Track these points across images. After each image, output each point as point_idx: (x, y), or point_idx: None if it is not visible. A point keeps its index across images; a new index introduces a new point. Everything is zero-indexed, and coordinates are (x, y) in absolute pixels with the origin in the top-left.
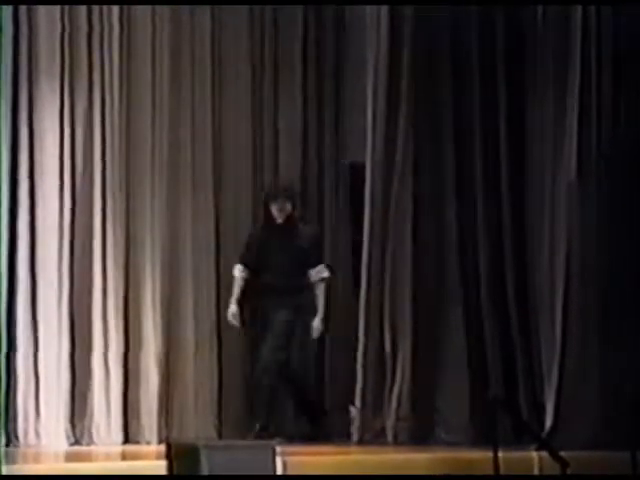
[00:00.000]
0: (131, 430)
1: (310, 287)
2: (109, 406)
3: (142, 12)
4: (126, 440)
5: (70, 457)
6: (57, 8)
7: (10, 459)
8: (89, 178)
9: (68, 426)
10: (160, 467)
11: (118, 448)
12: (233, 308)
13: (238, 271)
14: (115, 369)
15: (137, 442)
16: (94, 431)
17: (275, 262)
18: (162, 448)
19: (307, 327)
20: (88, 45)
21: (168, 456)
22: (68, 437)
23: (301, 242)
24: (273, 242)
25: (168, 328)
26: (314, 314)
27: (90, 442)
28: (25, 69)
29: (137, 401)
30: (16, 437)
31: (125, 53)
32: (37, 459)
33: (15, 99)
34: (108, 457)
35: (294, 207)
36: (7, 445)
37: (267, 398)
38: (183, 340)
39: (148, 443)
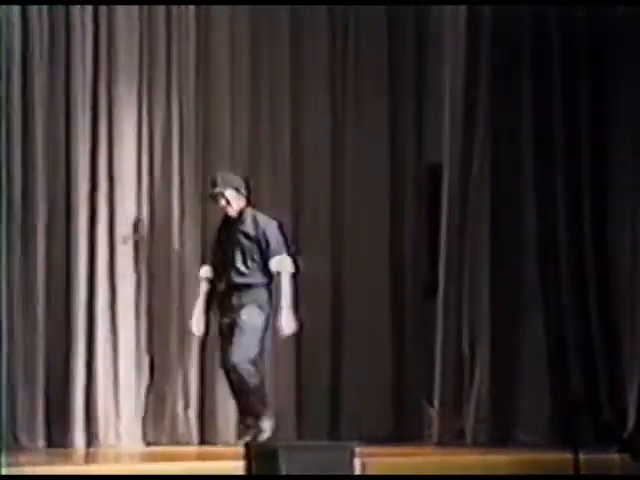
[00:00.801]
0: (208, 431)
1: (267, 282)
2: (187, 407)
3: (220, 12)
4: (203, 441)
5: (148, 457)
6: (135, 8)
7: (91, 459)
8: (167, 180)
9: (147, 427)
10: (238, 468)
11: (195, 449)
12: (195, 315)
13: (203, 272)
14: (193, 370)
15: (213, 443)
16: (173, 432)
17: (229, 258)
18: (239, 449)
19: (262, 325)
20: (166, 46)
21: (247, 457)
22: (147, 437)
23: (255, 235)
24: (228, 237)
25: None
26: (271, 309)
27: (168, 442)
28: (105, 71)
29: (214, 402)
30: (97, 438)
31: (203, 54)
32: (117, 459)
33: (95, 101)
34: (186, 457)
35: (247, 199)
36: (88, 445)
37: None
38: None
39: (224, 444)
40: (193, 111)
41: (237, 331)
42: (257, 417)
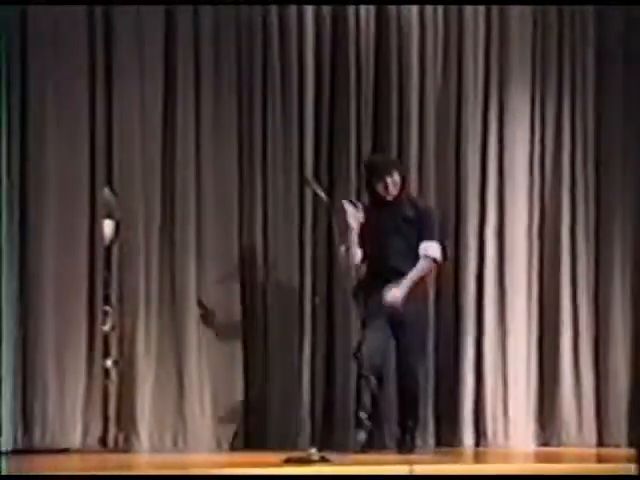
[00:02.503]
0: (601, 432)
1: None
2: (580, 408)
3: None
4: (596, 443)
5: (535, 458)
6: (528, 9)
7: (480, 459)
8: (558, 183)
9: (537, 427)
10: (630, 469)
11: (583, 450)
12: None
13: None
14: (585, 370)
15: (606, 445)
16: (563, 433)
17: (386, 244)
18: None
19: (423, 320)
20: (558, 48)
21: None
22: (537, 438)
23: (415, 218)
24: (384, 222)
25: (638, 325)
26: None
27: (559, 444)
28: (496, 71)
29: (606, 403)
30: (485, 437)
31: (597, 53)
32: (506, 459)
33: (486, 99)
34: (577, 459)
35: (405, 180)
36: (477, 445)
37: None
38: None
39: (617, 446)
40: (589, 113)
41: (398, 326)
42: (408, 426)
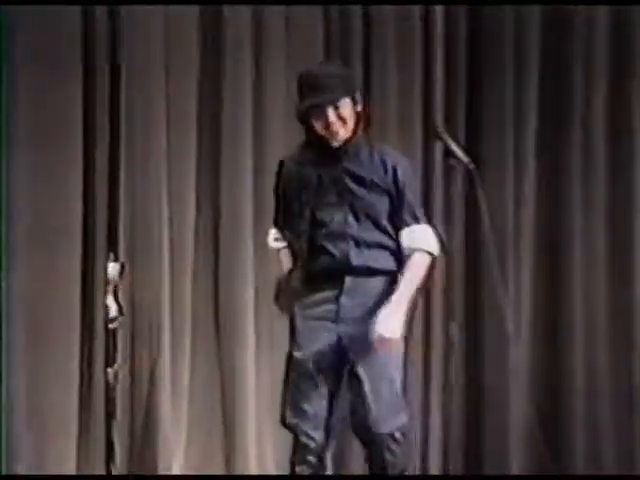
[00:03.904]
0: None
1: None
2: None
3: None
4: None
5: None
6: None
7: None
8: None
9: None
10: None
11: None
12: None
13: (272, 239)
14: None
15: None
16: None
17: (331, 221)
18: None
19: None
20: None
21: None
22: None
23: (381, 181)
24: (327, 183)
25: None
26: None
27: None
28: None
29: None
30: None
31: None
32: None
33: None
34: None
35: (359, 116)
36: None
37: None
38: None
39: None
40: None
41: (363, 365)
42: None
